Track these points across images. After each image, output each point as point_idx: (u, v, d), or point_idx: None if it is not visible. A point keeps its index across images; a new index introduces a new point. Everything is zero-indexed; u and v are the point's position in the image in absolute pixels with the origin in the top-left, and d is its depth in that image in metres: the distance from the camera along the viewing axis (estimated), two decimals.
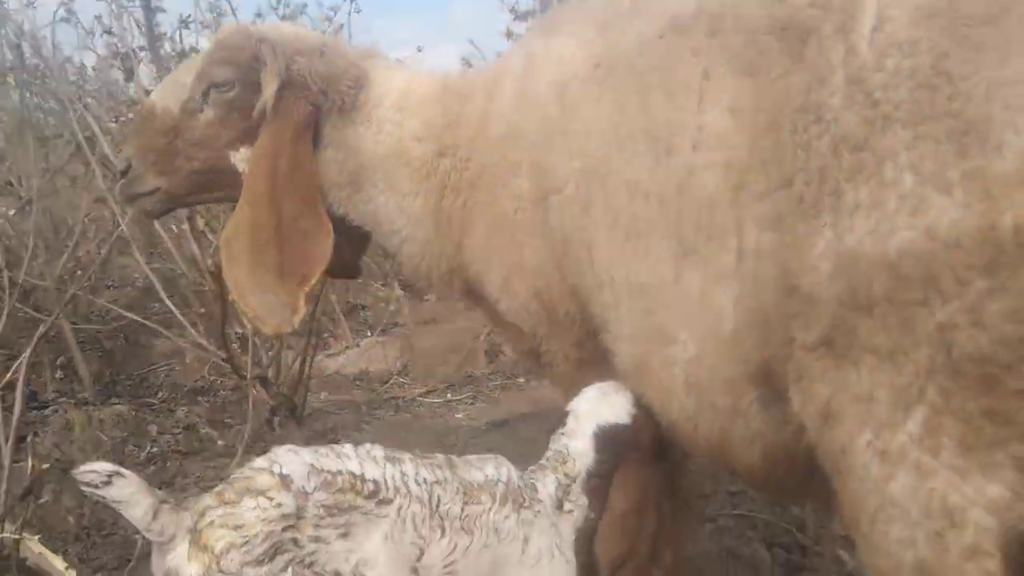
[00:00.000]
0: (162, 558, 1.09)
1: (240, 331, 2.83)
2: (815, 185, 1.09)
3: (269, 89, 1.73)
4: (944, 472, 0.97)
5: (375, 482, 1.17)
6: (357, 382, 4.48)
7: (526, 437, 3.13)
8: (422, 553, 1.20)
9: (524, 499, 1.33)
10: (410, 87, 1.85)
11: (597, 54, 1.51)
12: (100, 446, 3.54)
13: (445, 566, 1.22)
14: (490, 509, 1.28)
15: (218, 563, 1.03)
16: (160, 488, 3.21)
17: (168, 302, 3.67)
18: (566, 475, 1.41)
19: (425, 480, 1.23)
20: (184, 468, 3.55)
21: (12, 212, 3.70)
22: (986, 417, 0.96)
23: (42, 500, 2.96)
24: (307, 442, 3.16)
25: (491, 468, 1.34)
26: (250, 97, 1.79)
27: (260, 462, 1.15)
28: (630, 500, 1.59)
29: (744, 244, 1.19)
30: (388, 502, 1.17)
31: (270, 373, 2.84)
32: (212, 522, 1.06)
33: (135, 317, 3.97)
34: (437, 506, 1.22)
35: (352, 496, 1.14)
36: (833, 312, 1.06)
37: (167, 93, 1.89)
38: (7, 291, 3.59)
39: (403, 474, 1.21)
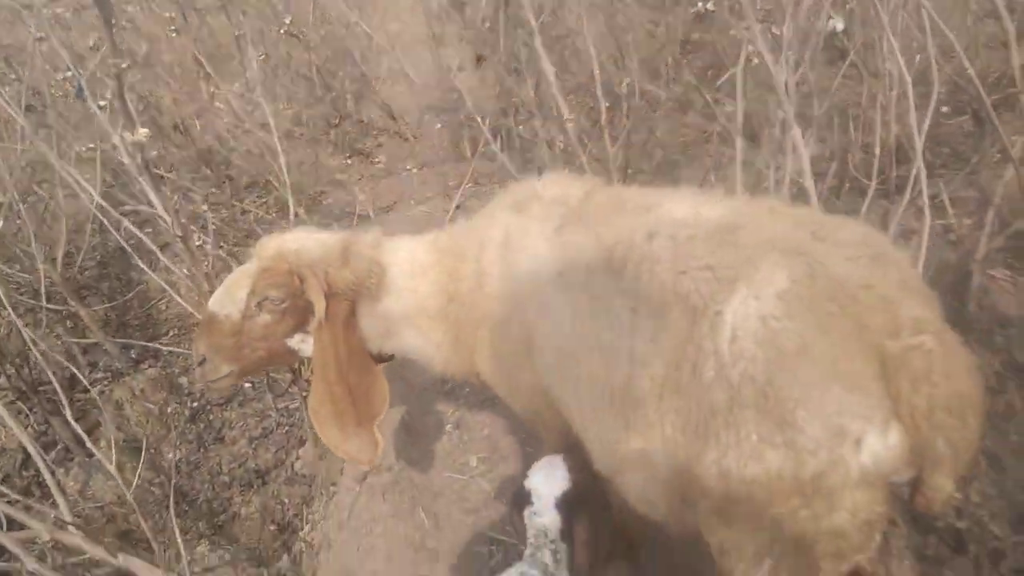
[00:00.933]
0: None
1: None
2: (704, 422, 1.74)
3: (320, 308, 2.31)
4: None
5: None
6: None
7: None
8: None
9: None
10: (413, 258, 2.42)
11: (559, 262, 2.07)
12: (151, 415, 4.29)
13: None
14: None
15: None
16: (213, 444, 4.02)
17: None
18: (552, 542, 2.22)
19: None
20: (225, 418, 4.33)
21: (1, 222, 4.06)
22: (801, 564, 1.73)
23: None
24: None
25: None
26: (297, 303, 2.36)
27: None
28: (589, 532, 2.40)
29: (665, 433, 1.86)
30: None
31: None
32: None
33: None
34: None
35: None
36: (715, 498, 1.78)
37: (225, 303, 2.41)
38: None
39: None
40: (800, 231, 1.73)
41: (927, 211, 2.60)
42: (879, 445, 1.57)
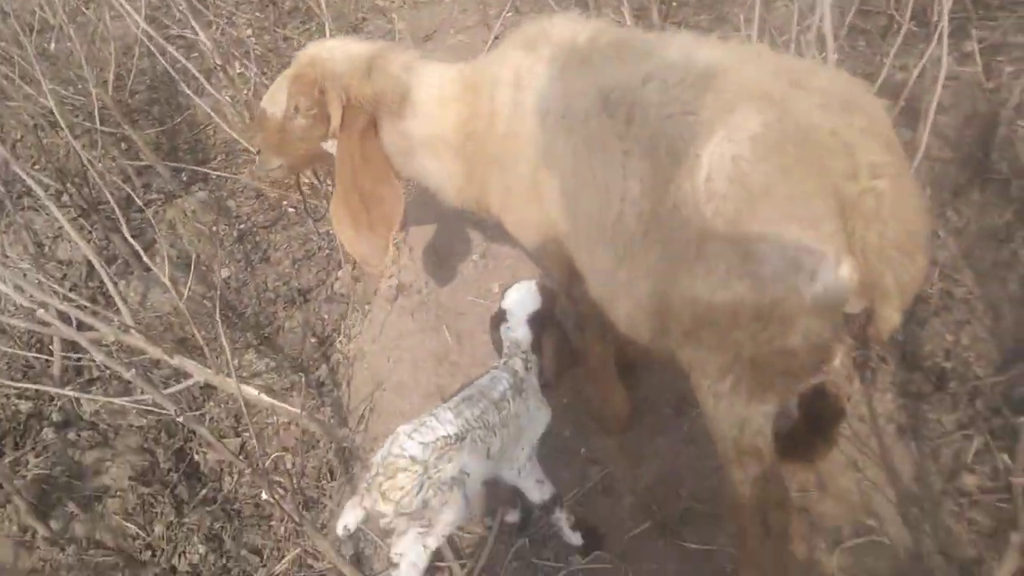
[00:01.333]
0: (358, 508, 2.21)
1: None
2: (680, 254, 1.96)
3: (335, 118, 2.54)
4: (741, 404, 2.04)
5: (455, 434, 2.26)
6: None
7: None
8: (488, 448, 2.35)
9: (519, 384, 2.48)
10: (442, 85, 2.55)
11: (562, 104, 2.23)
12: (201, 235, 4.66)
13: (501, 448, 2.40)
14: (510, 406, 2.42)
15: (398, 504, 2.18)
16: (260, 263, 4.40)
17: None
18: (523, 352, 2.54)
19: (478, 416, 2.33)
20: (271, 240, 4.69)
21: (53, 45, 4.28)
22: (758, 381, 1.99)
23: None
24: None
25: (501, 384, 2.45)
26: (326, 111, 2.57)
27: (396, 449, 2.21)
28: (555, 344, 2.66)
29: (649, 265, 2.09)
30: (464, 437, 2.28)
31: None
32: (386, 489, 2.16)
33: None
34: (487, 424, 2.34)
35: (447, 446, 2.26)
36: (687, 322, 2.02)
37: (272, 103, 2.67)
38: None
39: (466, 420, 2.30)
40: (779, 78, 1.86)
41: (944, 58, 2.63)
42: (831, 277, 1.78)
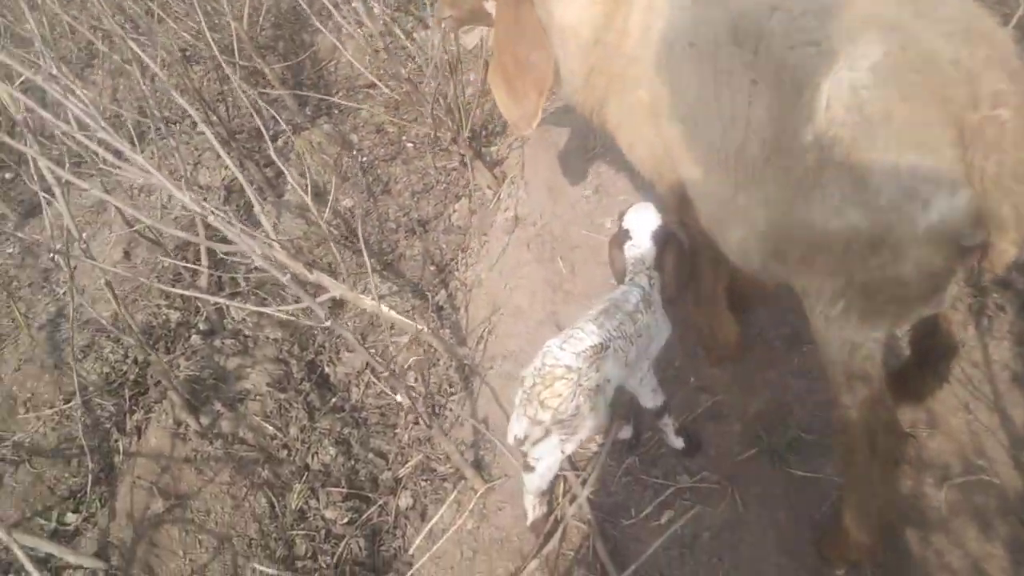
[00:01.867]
0: (524, 418, 2.50)
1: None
2: (798, 179, 2.15)
3: None
4: (851, 328, 2.23)
5: (601, 344, 2.53)
6: None
7: None
8: (626, 355, 2.61)
9: (648, 298, 2.74)
10: None
11: (691, 32, 2.40)
12: (327, 166, 5.07)
13: (635, 357, 2.66)
14: (643, 318, 2.68)
15: (556, 411, 2.45)
16: (381, 195, 4.80)
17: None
18: (647, 268, 2.79)
19: (617, 328, 2.59)
20: (391, 173, 5.06)
21: None
22: (869, 307, 2.17)
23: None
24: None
25: (632, 297, 2.71)
26: None
27: (550, 360, 2.49)
28: (676, 258, 2.87)
29: (767, 192, 2.28)
30: (608, 347, 2.54)
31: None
32: (545, 397, 2.44)
33: None
34: (626, 335, 2.60)
35: (595, 355, 2.51)
36: (804, 248, 2.22)
37: None
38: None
39: (608, 331, 2.56)
40: (903, 7, 1.99)
41: None
42: (946, 206, 1.93)
